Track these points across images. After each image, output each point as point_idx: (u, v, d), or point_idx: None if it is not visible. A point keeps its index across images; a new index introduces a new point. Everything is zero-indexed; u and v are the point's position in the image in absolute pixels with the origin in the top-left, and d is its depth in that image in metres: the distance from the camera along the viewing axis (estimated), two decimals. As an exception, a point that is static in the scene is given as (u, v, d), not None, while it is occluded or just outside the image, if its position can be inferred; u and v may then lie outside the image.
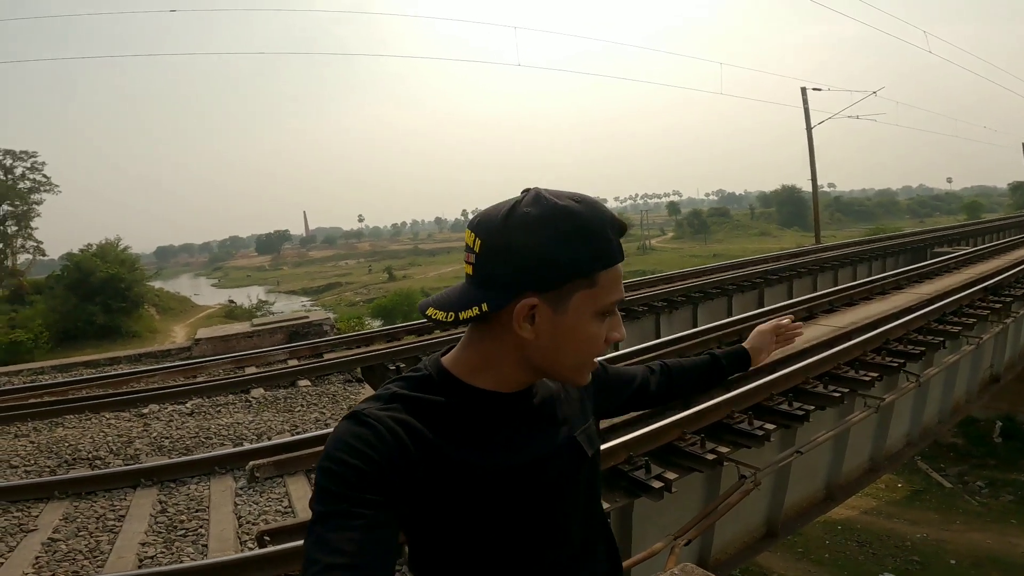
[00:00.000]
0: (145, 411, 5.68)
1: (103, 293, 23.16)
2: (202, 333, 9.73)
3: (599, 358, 0.90)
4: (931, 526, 10.21)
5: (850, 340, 5.49)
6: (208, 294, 57.41)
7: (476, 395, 0.81)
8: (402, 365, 6.99)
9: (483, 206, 0.85)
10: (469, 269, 0.78)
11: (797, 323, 1.37)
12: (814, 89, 19.89)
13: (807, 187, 21.66)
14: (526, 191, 0.78)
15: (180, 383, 6.64)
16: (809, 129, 19.99)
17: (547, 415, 0.87)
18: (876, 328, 5.88)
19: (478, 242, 0.76)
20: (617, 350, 6.48)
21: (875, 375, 4.85)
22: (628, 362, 5.54)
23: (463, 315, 0.76)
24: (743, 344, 1.31)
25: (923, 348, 5.58)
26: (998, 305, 7.17)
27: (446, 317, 0.77)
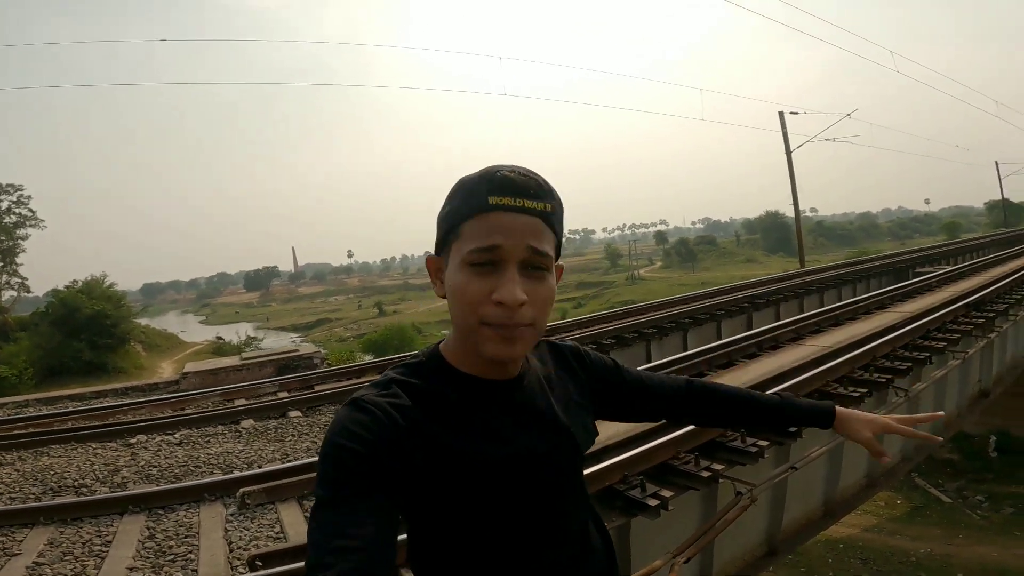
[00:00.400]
0: (132, 441, 5.61)
1: (89, 330, 22.86)
2: (190, 367, 9.66)
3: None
4: (934, 541, 10.12)
5: (838, 358, 5.56)
6: (196, 331, 56.76)
7: (464, 381, 0.83)
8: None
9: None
10: None
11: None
12: (791, 113, 20.30)
13: (791, 212, 22.02)
14: None
15: (168, 415, 6.58)
16: (788, 153, 20.30)
17: (541, 406, 0.88)
18: (863, 346, 5.96)
19: None
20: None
21: (864, 391, 4.91)
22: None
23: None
24: (837, 407, 1.12)
25: (910, 364, 5.66)
26: (981, 320, 7.31)
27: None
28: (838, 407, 1.10)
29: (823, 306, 11.88)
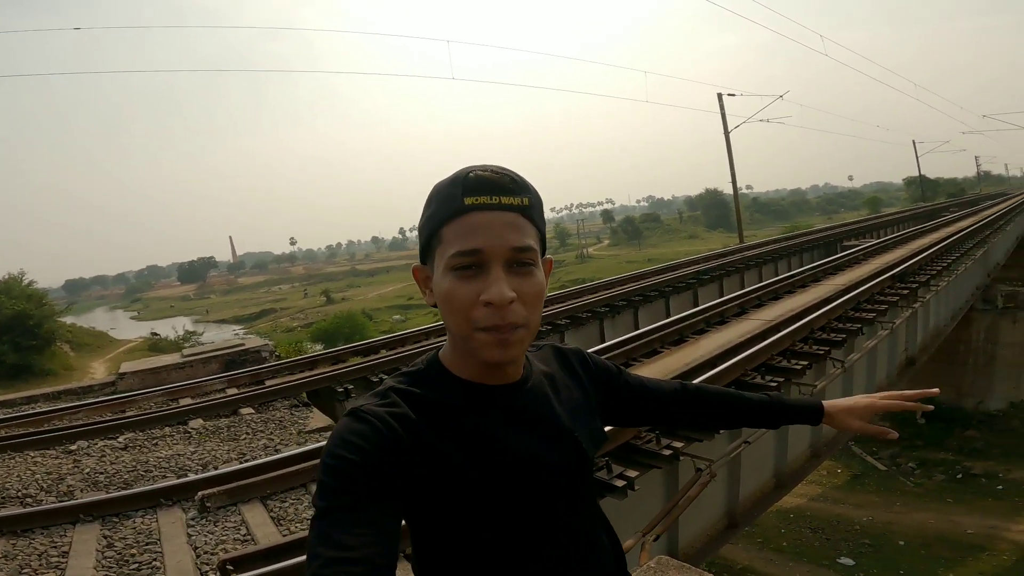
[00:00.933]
0: (73, 447, 5.30)
1: (11, 331, 21.26)
2: (127, 367, 9.15)
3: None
4: (875, 509, 10.80)
5: (780, 332, 5.87)
6: (127, 327, 53.77)
7: (465, 388, 0.82)
8: (350, 387, 6.85)
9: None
10: None
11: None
12: (729, 95, 21.03)
13: (729, 190, 22.82)
14: None
15: (108, 418, 6.23)
16: (727, 133, 21.03)
17: (544, 413, 0.87)
18: (801, 319, 6.30)
19: None
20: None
21: (805, 363, 5.21)
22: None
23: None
24: (824, 402, 1.14)
25: (844, 335, 6.04)
26: (905, 291, 7.86)
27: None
28: (824, 402, 1.12)
29: (762, 280, 12.45)
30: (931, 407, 1.13)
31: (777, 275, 12.76)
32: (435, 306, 0.82)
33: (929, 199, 47.76)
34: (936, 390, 1.19)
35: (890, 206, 66.19)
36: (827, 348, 5.68)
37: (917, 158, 42.97)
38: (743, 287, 11.68)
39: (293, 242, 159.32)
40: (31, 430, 5.95)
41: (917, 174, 47.85)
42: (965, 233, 13.16)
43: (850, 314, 6.79)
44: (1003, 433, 13.41)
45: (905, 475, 12.15)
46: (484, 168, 0.77)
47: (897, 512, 10.63)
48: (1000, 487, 11.25)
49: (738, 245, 19.10)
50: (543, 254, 0.81)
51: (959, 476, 11.89)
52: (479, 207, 0.75)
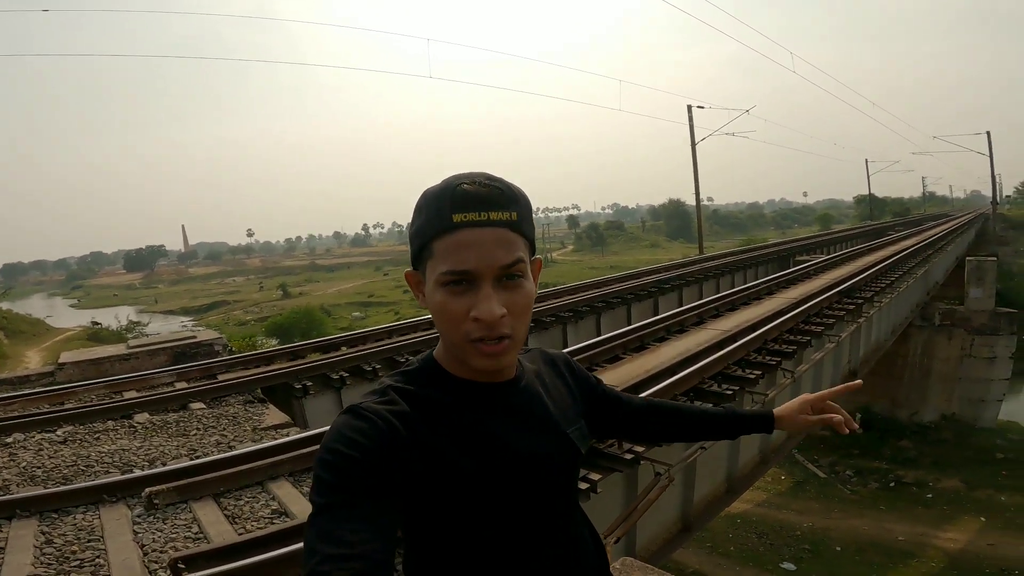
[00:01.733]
0: (9, 440, 4.98)
1: (-65, 316, 19.91)
2: (66, 357, 8.66)
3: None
4: (815, 515, 11.22)
5: (736, 342, 6.07)
6: (66, 315, 51.13)
7: (461, 386, 0.84)
8: (308, 383, 6.69)
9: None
10: None
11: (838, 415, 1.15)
12: (698, 107, 21.38)
13: (691, 200, 23.41)
14: None
15: (45, 410, 5.88)
16: (693, 145, 21.37)
17: (537, 410, 0.89)
18: (756, 330, 6.53)
19: None
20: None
21: (759, 373, 5.41)
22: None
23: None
24: (774, 410, 1.18)
25: (795, 347, 6.30)
26: (852, 306, 8.24)
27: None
28: (774, 410, 1.17)
29: (720, 291, 12.82)
30: (857, 426, 1.17)
31: (734, 287, 13.17)
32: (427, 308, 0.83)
33: (877, 217, 50.03)
34: (859, 382, 1.26)
35: (840, 223, 69.09)
36: (779, 359, 5.91)
37: (868, 177, 44.99)
38: (701, 297, 12.01)
39: (250, 233, 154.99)
40: (-40, 421, 5.55)
41: (867, 192, 50.02)
42: (908, 252, 13.89)
43: (801, 327, 7.08)
44: (935, 444, 14.12)
45: (843, 482, 12.65)
46: (472, 181, 0.77)
47: (835, 518, 11.06)
48: (930, 495, 11.83)
49: (697, 256, 19.58)
50: (532, 254, 0.83)
51: (892, 484, 12.45)
52: (468, 224, 0.75)
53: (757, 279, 14.37)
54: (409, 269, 0.85)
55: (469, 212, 0.75)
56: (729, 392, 4.92)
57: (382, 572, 0.66)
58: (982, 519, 10.71)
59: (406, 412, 0.78)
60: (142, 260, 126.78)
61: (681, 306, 11.08)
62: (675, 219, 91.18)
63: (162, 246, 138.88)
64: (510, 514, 0.83)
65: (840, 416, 1.11)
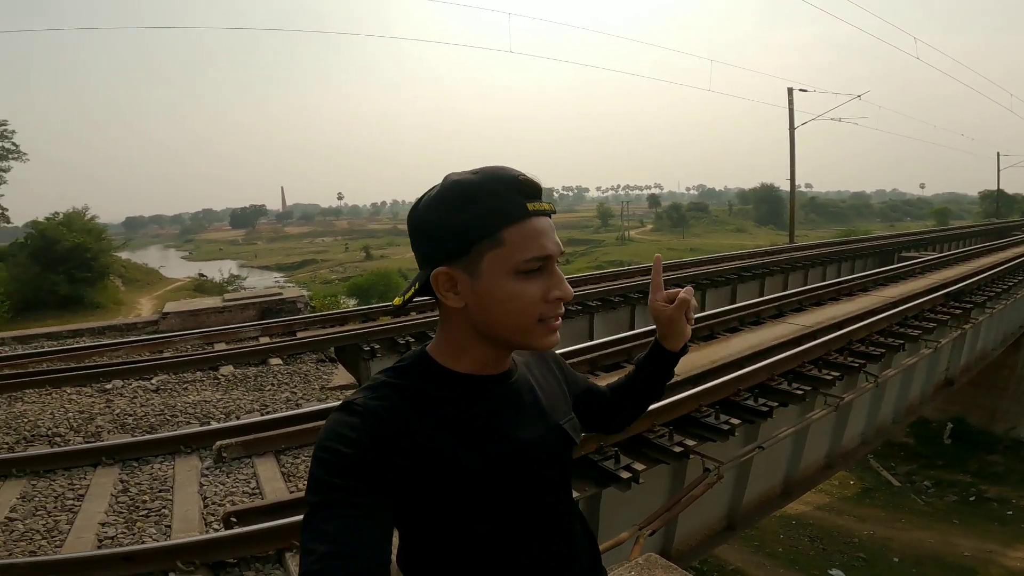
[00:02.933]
0: (108, 386, 5.48)
1: (68, 263, 22.37)
2: (170, 307, 9.46)
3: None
4: (878, 523, 10.58)
5: (815, 339, 5.65)
6: (177, 266, 55.95)
7: (456, 380, 0.83)
8: (376, 346, 6.94)
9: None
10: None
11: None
12: (800, 90, 19.94)
13: (785, 186, 21.94)
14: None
15: (146, 358, 6.45)
16: (792, 130, 20.11)
17: (531, 402, 0.89)
18: (841, 328, 6.05)
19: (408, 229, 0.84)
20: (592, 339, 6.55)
21: (837, 375, 5.01)
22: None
23: (406, 295, 0.83)
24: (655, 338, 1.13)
25: (883, 350, 5.77)
26: (958, 311, 7.43)
27: (398, 300, 0.84)
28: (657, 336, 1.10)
29: (807, 284, 12.03)
30: (692, 293, 1.06)
31: (825, 280, 12.29)
32: (458, 308, 0.81)
33: (1004, 215, 44.81)
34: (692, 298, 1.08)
35: (960, 219, 62.51)
36: (863, 361, 5.45)
37: (999, 171, 40.21)
38: (785, 289, 11.30)
39: (340, 197, 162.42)
40: (72, 365, 6.20)
41: (995, 188, 44.83)
42: (1034, 254, 12.33)
43: (894, 328, 6.48)
44: (1027, 461, 12.77)
45: (917, 493, 11.83)
46: (522, 174, 0.81)
47: (899, 528, 10.41)
48: (1010, 512, 10.82)
49: (787, 244, 18.46)
50: None
51: (972, 499, 11.49)
52: (537, 213, 0.80)
53: (852, 274, 13.35)
54: (441, 268, 0.79)
55: (537, 202, 0.80)
56: (800, 392, 4.60)
57: (377, 570, 0.67)
58: (1059, 540, 9.67)
59: (401, 407, 0.77)
60: (245, 218, 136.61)
61: (762, 296, 10.53)
62: (765, 204, 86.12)
63: (263, 205, 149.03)
64: (507, 507, 0.83)
65: (681, 291, 1.05)
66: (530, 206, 0.79)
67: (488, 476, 0.80)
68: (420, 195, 0.83)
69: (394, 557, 0.84)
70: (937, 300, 7.59)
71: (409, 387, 0.80)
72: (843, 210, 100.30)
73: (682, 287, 1.08)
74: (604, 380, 1.23)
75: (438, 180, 0.83)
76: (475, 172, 0.80)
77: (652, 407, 3.65)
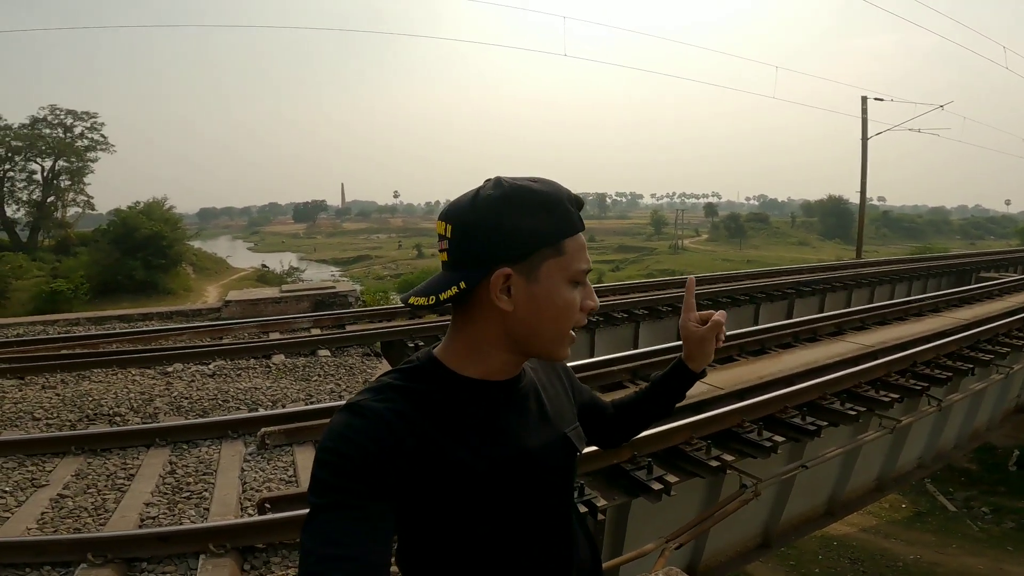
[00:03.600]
0: (170, 369, 5.79)
1: (145, 249, 23.94)
2: (232, 295, 9.90)
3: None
4: (926, 548, 9.93)
5: (875, 360, 5.35)
6: (243, 257, 58.67)
7: (465, 384, 0.82)
8: (420, 343, 7.05)
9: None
10: (444, 256, 0.81)
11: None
12: (876, 99, 18.97)
13: (855, 198, 20.84)
14: (488, 179, 0.82)
15: (206, 343, 6.76)
16: (865, 140, 19.12)
17: (537, 409, 0.89)
18: (906, 350, 5.70)
19: (449, 228, 0.80)
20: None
21: (895, 396, 4.72)
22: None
23: (443, 295, 0.78)
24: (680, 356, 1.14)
25: (951, 373, 5.40)
26: (1039, 337, 6.86)
27: (427, 300, 0.79)
28: (682, 356, 1.13)
29: (872, 302, 11.39)
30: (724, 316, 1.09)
31: (892, 299, 11.61)
32: (506, 311, 0.80)
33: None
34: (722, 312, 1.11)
35: (1049, 239, 57.70)
36: (926, 384, 5.11)
37: (1096, 185, 36.98)
38: (849, 306, 10.74)
39: (396, 195, 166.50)
40: (139, 347, 6.59)
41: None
42: None
43: (964, 352, 6.05)
44: (1098, 490, 11.61)
45: (974, 519, 10.99)
46: (567, 188, 0.83)
47: (949, 554, 9.68)
48: None
49: (853, 260, 17.56)
50: None
51: None
52: (583, 227, 0.84)
53: (924, 293, 12.55)
54: (505, 269, 0.78)
55: (582, 218, 0.84)
56: (852, 412, 4.35)
57: (376, 573, 0.67)
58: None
59: (405, 410, 0.77)
60: (307, 212, 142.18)
61: (821, 312, 10.04)
62: (832, 217, 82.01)
63: (324, 201, 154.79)
64: (509, 512, 0.83)
65: (716, 314, 1.09)
66: (582, 221, 0.83)
67: (492, 480, 0.79)
68: (468, 194, 0.81)
69: (393, 558, 0.85)
70: (1014, 324, 7.04)
71: (414, 390, 0.80)
72: (919, 225, 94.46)
73: (732, 299, 1.09)
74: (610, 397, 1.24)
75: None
76: (535, 180, 0.81)
77: (691, 420, 3.60)
